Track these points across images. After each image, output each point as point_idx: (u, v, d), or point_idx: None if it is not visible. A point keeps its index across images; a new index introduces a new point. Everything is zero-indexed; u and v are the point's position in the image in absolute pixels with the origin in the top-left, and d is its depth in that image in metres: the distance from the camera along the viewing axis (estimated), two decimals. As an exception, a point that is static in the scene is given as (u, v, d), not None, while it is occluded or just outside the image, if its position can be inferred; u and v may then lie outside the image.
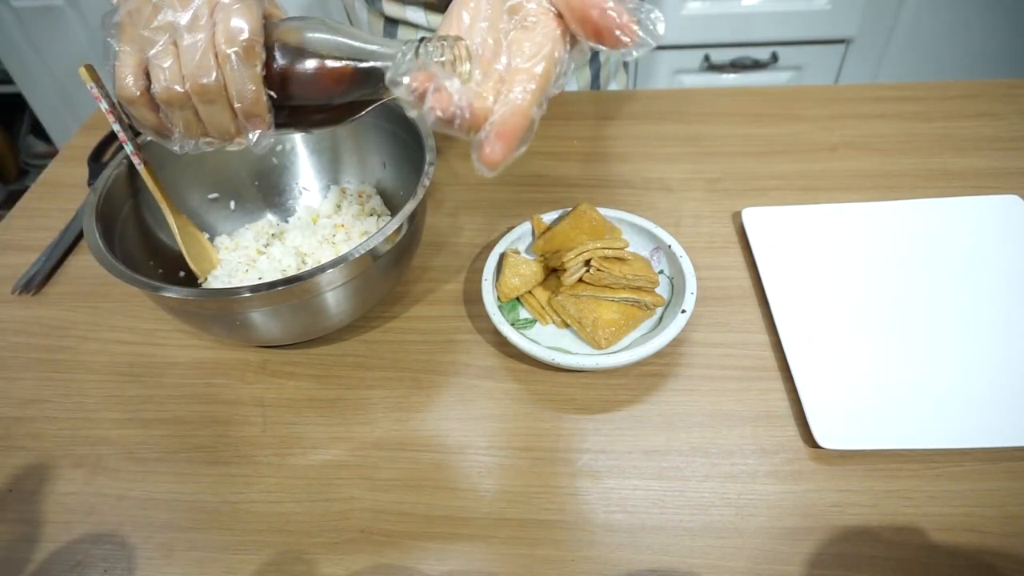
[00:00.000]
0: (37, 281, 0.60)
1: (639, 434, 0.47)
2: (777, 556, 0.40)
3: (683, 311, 0.48)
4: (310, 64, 0.37)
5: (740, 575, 0.40)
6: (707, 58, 1.38)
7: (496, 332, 0.50)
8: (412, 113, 0.33)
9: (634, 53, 0.33)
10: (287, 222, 0.62)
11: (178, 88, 0.36)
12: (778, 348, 0.51)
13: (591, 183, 0.66)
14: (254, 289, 0.42)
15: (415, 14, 0.68)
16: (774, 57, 1.37)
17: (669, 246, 0.53)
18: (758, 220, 0.59)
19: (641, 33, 0.33)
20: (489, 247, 0.56)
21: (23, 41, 1.43)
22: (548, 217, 0.57)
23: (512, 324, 0.50)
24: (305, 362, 0.53)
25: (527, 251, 0.57)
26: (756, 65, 1.38)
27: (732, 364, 0.50)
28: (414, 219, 0.49)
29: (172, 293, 0.43)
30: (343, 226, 0.58)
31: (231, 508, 0.45)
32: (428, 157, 0.49)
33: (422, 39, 0.35)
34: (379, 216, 0.59)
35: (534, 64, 0.34)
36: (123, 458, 0.48)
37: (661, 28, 0.33)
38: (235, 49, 0.35)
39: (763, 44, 1.36)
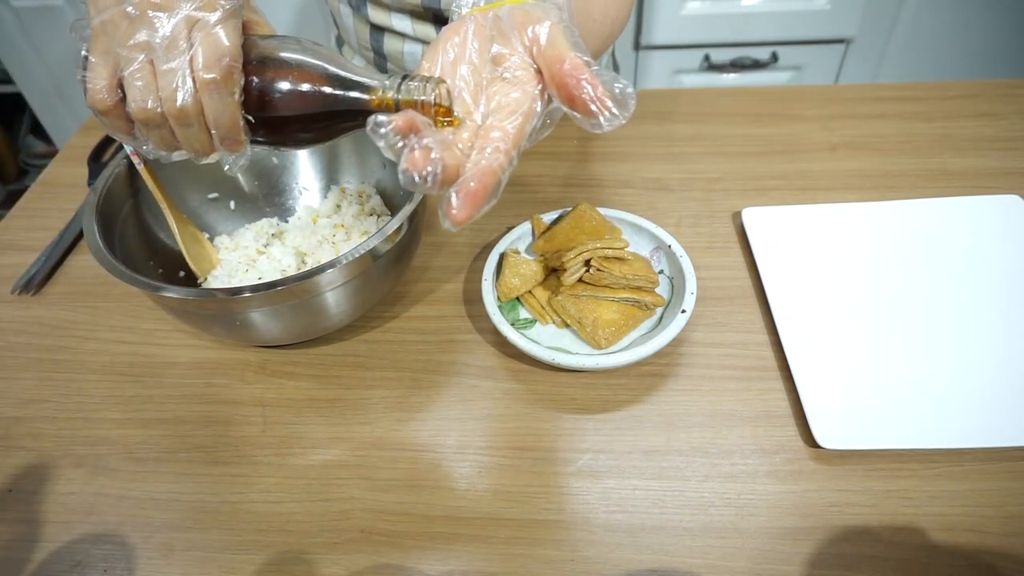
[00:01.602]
0: (37, 281, 0.60)
1: (639, 434, 0.47)
2: (777, 556, 0.40)
3: (683, 311, 0.48)
4: (288, 88, 0.36)
5: (740, 575, 0.40)
6: (707, 58, 1.38)
7: (496, 332, 0.50)
8: (388, 155, 0.33)
9: (604, 126, 0.33)
10: (287, 222, 0.62)
11: (155, 108, 0.36)
12: (778, 348, 0.51)
13: (591, 183, 0.67)
14: (254, 289, 0.42)
15: (401, 22, 0.68)
16: (774, 57, 1.37)
17: (669, 246, 0.53)
18: (758, 220, 0.59)
19: (614, 109, 0.33)
20: (489, 247, 0.56)
21: (23, 41, 1.42)
22: (548, 217, 0.57)
23: (512, 324, 0.50)
24: (305, 362, 0.53)
25: (527, 251, 0.57)
26: (756, 65, 1.38)
27: (732, 364, 0.50)
28: (414, 219, 0.49)
29: (172, 293, 0.43)
30: (343, 226, 0.58)
31: (231, 508, 0.45)
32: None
33: (404, 76, 0.35)
34: (379, 216, 0.59)
35: (510, 122, 0.34)
36: (123, 458, 0.48)
37: (632, 105, 0.33)
38: (213, 75, 0.34)
39: (763, 44, 1.36)
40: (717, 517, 0.42)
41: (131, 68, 0.35)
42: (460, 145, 0.34)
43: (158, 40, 0.34)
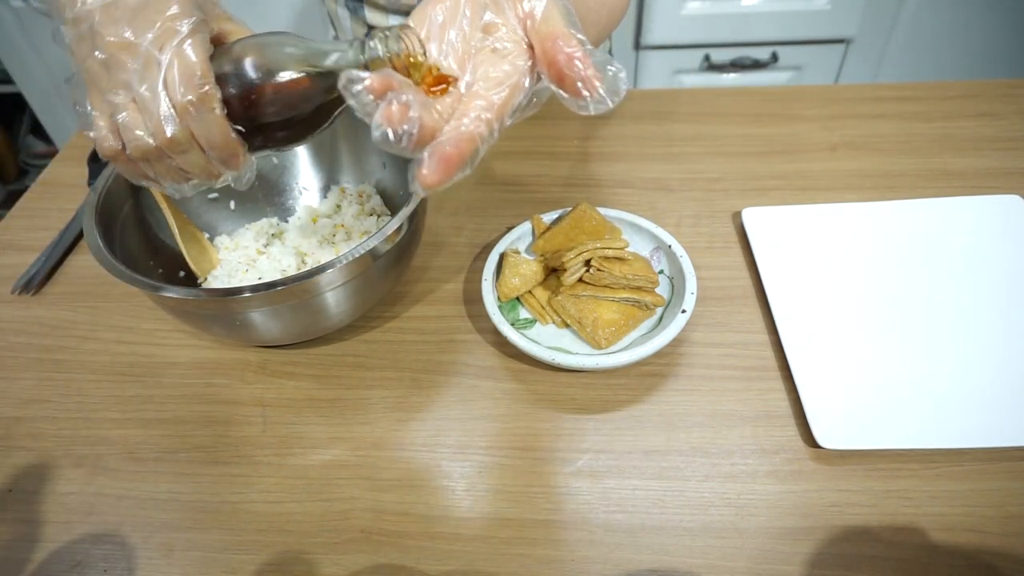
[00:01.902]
0: (37, 281, 0.60)
1: (639, 434, 0.47)
2: (777, 556, 0.40)
3: (683, 311, 0.48)
4: (268, 84, 0.36)
5: (740, 575, 0.40)
6: (707, 58, 1.38)
7: (496, 332, 0.50)
8: (360, 115, 0.31)
9: (591, 108, 0.32)
10: (287, 222, 0.62)
11: (149, 142, 0.36)
12: (778, 348, 0.51)
13: (591, 183, 0.66)
14: (254, 289, 0.42)
15: (398, 23, 0.68)
16: (774, 57, 1.37)
17: (669, 246, 0.53)
18: (758, 220, 0.59)
19: (602, 91, 0.32)
20: (489, 247, 0.56)
21: (23, 41, 1.42)
22: (548, 217, 0.57)
23: (512, 324, 0.50)
24: (305, 362, 0.53)
25: (527, 251, 0.57)
26: (756, 65, 1.38)
27: (732, 364, 0.50)
28: (414, 219, 0.49)
29: (172, 293, 0.43)
30: (343, 226, 0.58)
31: (231, 508, 0.45)
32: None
33: (367, 32, 0.34)
34: (379, 216, 0.59)
35: (496, 93, 0.33)
36: (123, 458, 0.48)
37: (623, 90, 0.32)
38: (189, 97, 0.34)
39: (763, 44, 1.36)
40: (717, 517, 0.42)
41: (120, 112, 0.35)
42: (439, 107, 0.33)
43: (134, 79, 0.34)
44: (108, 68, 0.35)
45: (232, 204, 0.60)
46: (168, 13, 0.34)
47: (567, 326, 0.52)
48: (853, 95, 0.75)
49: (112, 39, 0.34)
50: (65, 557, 0.43)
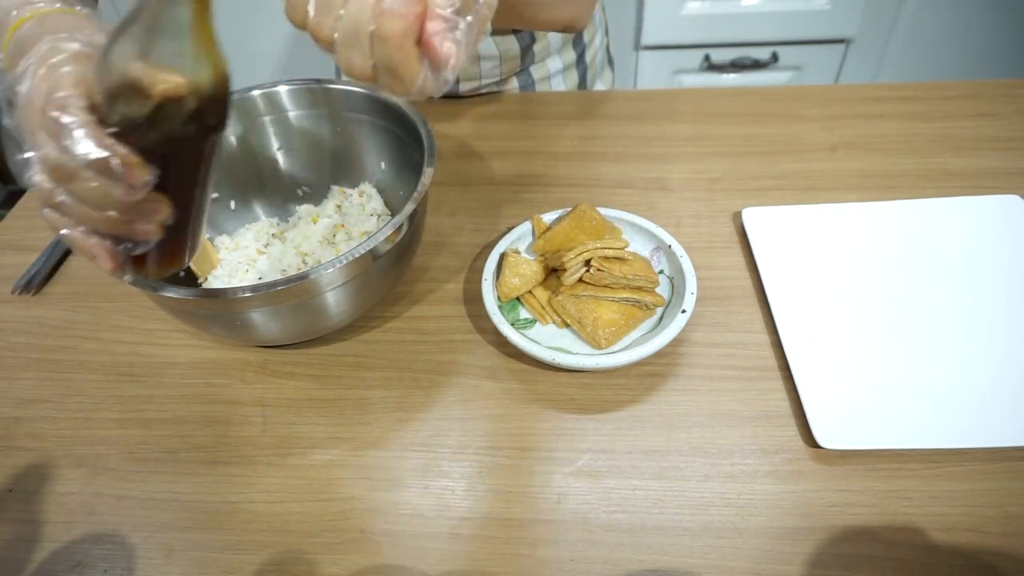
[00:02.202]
0: (37, 281, 0.60)
1: (639, 434, 0.47)
2: (777, 556, 0.40)
3: (683, 311, 0.48)
4: (131, 64, 0.31)
5: (740, 575, 0.40)
6: (707, 58, 1.38)
7: (496, 332, 0.50)
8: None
9: (422, 83, 0.29)
10: (287, 222, 0.62)
11: (44, 185, 0.33)
12: (778, 348, 0.51)
13: (591, 183, 0.67)
14: (254, 289, 0.42)
15: None
16: (774, 57, 1.37)
17: (669, 246, 0.53)
18: (758, 220, 0.59)
19: (427, 73, 0.29)
20: (489, 247, 0.56)
21: (23, 41, 1.42)
22: (548, 217, 0.57)
23: (512, 324, 0.50)
24: (305, 362, 0.53)
25: (527, 251, 0.57)
26: (756, 65, 1.38)
27: (732, 364, 0.50)
28: (414, 219, 0.49)
29: (172, 293, 0.43)
30: (343, 226, 0.58)
31: (231, 508, 0.45)
32: (428, 157, 0.50)
33: None
34: (379, 216, 0.59)
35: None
36: (123, 458, 0.48)
37: (450, 73, 0.29)
38: (53, 114, 0.31)
39: (763, 44, 1.36)
40: (717, 517, 0.42)
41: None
42: None
43: (24, 122, 0.33)
44: (20, 127, 0.34)
45: (232, 204, 0.60)
46: (54, 60, 0.33)
47: (567, 326, 0.52)
48: (853, 95, 0.75)
49: (23, 104, 0.33)
50: (65, 557, 0.43)
